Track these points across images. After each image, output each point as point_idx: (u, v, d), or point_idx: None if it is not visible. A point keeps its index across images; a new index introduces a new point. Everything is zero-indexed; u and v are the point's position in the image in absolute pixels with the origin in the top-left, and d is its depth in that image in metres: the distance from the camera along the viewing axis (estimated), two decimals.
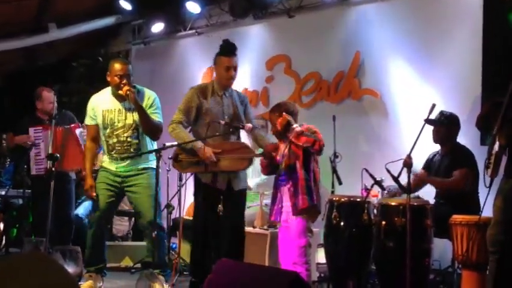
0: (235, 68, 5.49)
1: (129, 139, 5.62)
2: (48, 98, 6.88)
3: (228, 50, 5.51)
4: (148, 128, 5.56)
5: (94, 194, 5.61)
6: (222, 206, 5.38)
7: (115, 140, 5.62)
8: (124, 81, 5.46)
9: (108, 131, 5.62)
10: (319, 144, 5.11)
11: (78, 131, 6.69)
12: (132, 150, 5.62)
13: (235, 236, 5.49)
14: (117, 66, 5.54)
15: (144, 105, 5.55)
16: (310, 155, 5.25)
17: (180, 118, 5.44)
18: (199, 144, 5.33)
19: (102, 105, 5.64)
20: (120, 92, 5.43)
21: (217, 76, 5.57)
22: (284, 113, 5.26)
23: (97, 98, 5.72)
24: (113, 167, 5.68)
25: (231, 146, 5.41)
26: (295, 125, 5.18)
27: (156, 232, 5.34)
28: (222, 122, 5.38)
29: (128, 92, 5.38)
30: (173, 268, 5.97)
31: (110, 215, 6.00)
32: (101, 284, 5.67)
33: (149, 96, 5.68)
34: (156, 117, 5.62)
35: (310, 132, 5.19)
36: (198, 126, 5.49)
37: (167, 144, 5.58)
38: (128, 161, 5.64)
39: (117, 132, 5.60)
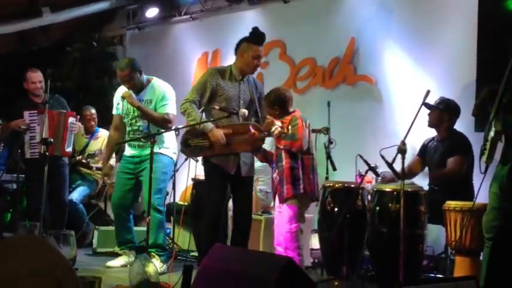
0: (262, 57, 5.53)
1: (140, 128, 5.96)
2: (31, 78, 6.82)
3: (260, 39, 5.44)
4: (152, 121, 5.86)
5: (109, 181, 6.40)
6: (230, 191, 5.46)
7: (130, 128, 6.04)
8: (126, 86, 5.94)
9: (126, 120, 6.06)
10: (296, 146, 5.12)
11: (70, 119, 6.70)
12: (142, 139, 5.89)
13: (241, 224, 5.49)
14: (118, 72, 6.02)
15: (155, 100, 5.93)
16: None
17: (193, 97, 5.38)
18: (209, 125, 5.29)
19: (119, 97, 6.09)
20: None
21: (241, 62, 5.45)
22: (269, 116, 5.27)
23: (120, 89, 6.10)
24: (128, 152, 6.09)
25: (243, 128, 5.28)
26: (274, 128, 5.14)
27: (153, 214, 5.59)
28: (217, 108, 5.33)
29: (125, 96, 5.85)
30: (171, 255, 5.98)
31: (129, 200, 6.12)
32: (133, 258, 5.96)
33: (160, 89, 6.01)
34: (164, 109, 5.90)
35: (292, 125, 5.16)
36: (211, 109, 5.41)
37: (179, 126, 5.73)
38: (139, 147, 5.97)
39: (131, 122, 6.01)
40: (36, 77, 6.82)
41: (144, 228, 5.94)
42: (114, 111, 6.21)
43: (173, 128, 5.87)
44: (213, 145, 5.30)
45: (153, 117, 5.83)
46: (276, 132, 5.10)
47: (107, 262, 5.99)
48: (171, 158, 5.99)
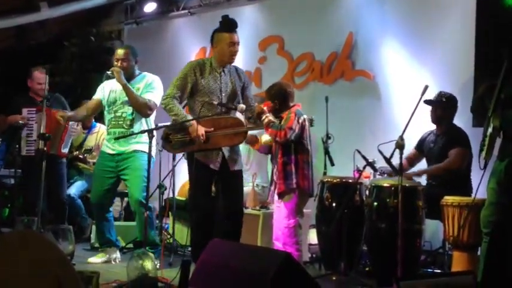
0: (237, 44, 5.43)
1: (124, 115, 5.91)
2: (39, 79, 6.83)
3: (229, 26, 5.42)
4: (133, 103, 5.83)
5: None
6: (216, 187, 5.31)
7: (112, 115, 5.96)
8: (119, 63, 5.90)
9: (108, 108, 6.00)
10: (279, 135, 5.13)
11: (71, 122, 6.71)
12: (124, 125, 5.88)
13: (232, 217, 5.37)
14: (117, 51, 6.09)
15: (143, 85, 5.92)
16: None
17: (174, 93, 5.35)
18: (190, 122, 5.25)
19: (111, 85, 6.01)
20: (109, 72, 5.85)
21: (218, 53, 5.42)
22: (258, 104, 5.30)
23: (107, 82, 6.07)
24: (109, 149, 5.94)
25: (225, 121, 5.26)
26: (264, 116, 5.19)
27: (142, 210, 5.60)
28: (215, 103, 5.32)
29: (114, 70, 5.78)
30: (162, 248, 5.98)
31: (108, 199, 6.12)
32: (116, 254, 6.01)
33: (150, 78, 6.02)
34: (148, 95, 5.85)
35: (286, 119, 5.19)
36: (193, 103, 5.41)
37: (160, 124, 5.60)
38: (121, 141, 5.82)
39: (115, 109, 5.94)
40: (42, 79, 6.80)
41: (134, 223, 6.04)
42: (95, 95, 6.14)
43: (159, 125, 5.62)
44: (193, 140, 5.26)
45: (136, 100, 5.78)
46: (266, 120, 5.16)
47: (88, 258, 5.95)
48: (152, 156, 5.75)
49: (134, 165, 5.82)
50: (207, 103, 5.31)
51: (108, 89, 6.03)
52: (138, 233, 5.87)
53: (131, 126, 5.87)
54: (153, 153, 5.81)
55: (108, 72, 5.84)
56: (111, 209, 6.24)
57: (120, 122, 5.91)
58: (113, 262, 5.93)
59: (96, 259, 5.92)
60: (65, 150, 6.82)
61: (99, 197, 6.00)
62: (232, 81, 5.46)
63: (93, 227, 6.89)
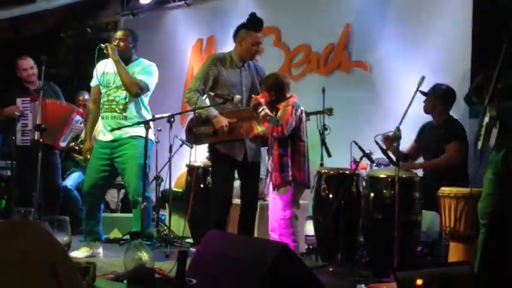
0: (261, 43, 5.55)
1: (117, 98, 5.77)
2: (22, 65, 6.81)
3: (257, 25, 5.50)
4: (124, 80, 5.67)
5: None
6: (238, 177, 5.57)
7: (105, 98, 5.81)
8: (116, 42, 5.78)
9: (103, 90, 5.84)
10: (276, 131, 5.13)
11: (76, 117, 6.71)
12: (117, 109, 5.75)
13: (248, 208, 5.54)
14: (116, 32, 6.16)
15: (139, 68, 5.79)
16: None
17: (196, 86, 5.45)
18: (214, 112, 5.36)
19: (104, 67, 5.82)
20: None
21: (240, 49, 5.49)
22: (255, 96, 5.28)
23: (102, 61, 5.86)
24: (104, 136, 5.80)
25: (248, 113, 5.35)
26: (261, 109, 5.18)
27: (139, 200, 5.54)
28: (212, 94, 5.37)
29: (108, 45, 5.63)
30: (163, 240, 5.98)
31: (102, 188, 6.00)
32: (99, 249, 5.87)
33: (146, 63, 5.92)
34: (141, 76, 5.75)
35: (283, 111, 5.19)
36: (207, 94, 5.48)
37: (156, 116, 5.60)
38: (115, 126, 5.71)
39: (109, 92, 5.79)
40: (26, 64, 6.80)
41: (131, 215, 5.98)
42: (92, 83, 5.99)
43: (156, 116, 5.63)
44: (217, 132, 5.35)
45: (127, 77, 5.64)
46: (262, 113, 5.15)
47: (71, 252, 5.58)
48: (150, 139, 5.63)
49: (130, 153, 5.70)
50: (208, 95, 5.44)
51: (100, 71, 5.82)
52: (137, 224, 5.66)
53: (124, 110, 5.74)
54: (152, 137, 5.79)
55: (102, 45, 5.62)
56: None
57: (112, 106, 5.76)
58: (97, 257, 5.75)
59: (80, 253, 5.70)
60: (63, 144, 6.81)
61: (92, 186, 5.80)
62: (252, 75, 5.55)
63: None
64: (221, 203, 5.45)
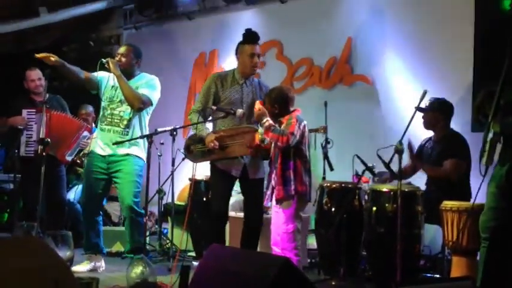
0: (259, 56, 5.56)
1: (121, 113, 5.74)
2: (30, 76, 6.84)
3: (251, 38, 5.53)
4: (126, 94, 5.64)
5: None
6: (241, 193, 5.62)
7: (108, 112, 5.79)
8: (118, 57, 5.78)
9: (105, 103, 5.83)
10: (282, 141, 5.13)
11: (84, 133, 6.72)
12: (120, 125, 5.73)
13: (251, 225, 5.53)
14: (120, 48, 6.04)
15: (141, 83, 5.78)
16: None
17: (197, 107, 5.55)
18: (204, 132, 5.42)
19: (111, 80, 5.84)
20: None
21: (240, 64, 5.55)
22: (260, 105, 5.29)
23: (106, 72, 5.85)
24: (100, 149, 5.77)
25: (243, 130, 5.39)
26: (265, 119, 5.20)
27: (132, 216, 5.60)
28: (214, 108, 5.40)
29: (109, 60, 5.62)
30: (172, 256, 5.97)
31: (99, 201, 5.99)
32: (100, 263, 5.83)
33: (149, 77, 5.90)
34: (144, 90, 5.73)
35: (286, 123, 5.19)
36: (216, 114, 5.52)
37: (159, 129, 5.62)
38: (115, 145, 5.68)
39: (112, 106, 5.77)
40: (35, 75, 6.84)
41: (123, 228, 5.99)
42: (95, 73, 5.84)
43: (158, 130, 5.66)
44: (212, 150, 5.39)
45: (129, 92, 5.62)
46: (267, 124, 5.17)
47: (73, 267, 5.51)
48: (144, 161, 5.74)
49: (127, 169, 5.69)
50: (211, 110, 5.48)
51: (111, 82, 5.83)
52: (129, 239, 5.71)
53: (128, 126, 5.72)
54: (145, 157, 5.71)
55: (103, 60, 5.61)
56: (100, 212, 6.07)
57: (116, 121, 5.74)
58: (99, 270, 5.74)
59: (82, 267, 5.68)
60: (69, 158, 6.81)
61: (89, 200, 5.82)
62: (254, 92, 5.57)
63: None
64: (213, 218, 5.51)
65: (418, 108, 5.06)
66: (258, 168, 5.57)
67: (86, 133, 6.81)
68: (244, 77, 5.55)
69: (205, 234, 5.85)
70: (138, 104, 5.67)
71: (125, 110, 5.73)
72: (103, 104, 5.84)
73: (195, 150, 5.57)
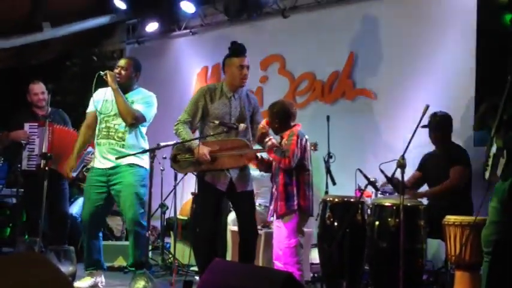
0: (247, 67, 5.54)
1: (116, 126, 5.71)
2: (33, 90, 6.87)
3: (238, 51, 5.55)
4: (120, 108, 5.63)
5: (71, 176, 6.07)
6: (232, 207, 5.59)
7: (103, 125, 5.75)
8: (117, 70, 5.78)
9: (101, 117, 5.77)
10: (284, 163, 5.13)
11: (89, 149, 6.72)
12: (115, 137, 5.69)
13: (245, 238, 5.48)
14: (120, 60, 6.03)
15: (137, 98, 5.76)
16: None
17: (185, 118, 5.51)
18: (195, 143, 5.37)
19: (103, 95, 5.83)
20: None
21: (229, 77, 5.55)
22: (265, 124, 5.30)
23: (101, 89, 5.87)
24: (100, 163, 5.74)
25: (231, 143, 5.40)
26: (268, 138, 5.23)
27: (136, 230, 5.52)
28: (216, 123, 5.40)
29: (108, 72, 5.65)
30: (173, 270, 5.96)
31: (101, 217, 5.93)
32: (101, 278, 5.77)
33: (146, 93, 5.88)
34: (139, 107, 5.72)
35: (287, 140, 5.19)
36: (204, 127, 5.53)
37: (161, 144, 5.61)
38: (113, 153, 5.66)
39: (107, 119, 5.74)
40: (38, 89, 6.87)
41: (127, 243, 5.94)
42: (88, 109, 5.92)
43: (161, 145, 5.60)
44: (199, 161, 5.36)
45: (124, 107, 5.60)
46: (269, 143, 5.18)
47: (75, 283, 5.51)
48: (146, 168, 5.67)
49: (127, 181, 5.60)
50: (212, 124, 5.44)
51: (101, 98, 5.81)
52: (131, 253, 5.60)
53: (122, 139, 5.67)
54: (148, 166, 5.63)
55: (101, 73, 5.64)
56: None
57: (111, 133, 5.69)
58: (100, 286, 5.70)
59: (83, 283, 5.62)
60: (73, 174, 6.79)
61: (90, 215, 5.71)
62: (241, 105, 5.56)
63: None
64: (206, 243, 5.45)
65: (423, 126, 5.09)
66: (246, 182, 5.54)
67: (89, 148, 6.80)
68: (233, 90, 5.54)
69: (197, 255, 5.75)
70: (131, 120, 5.64)
71: (120, 123, 5.69)
72: (99, 118, 5.79)
73: (181, 160, 5.52)
